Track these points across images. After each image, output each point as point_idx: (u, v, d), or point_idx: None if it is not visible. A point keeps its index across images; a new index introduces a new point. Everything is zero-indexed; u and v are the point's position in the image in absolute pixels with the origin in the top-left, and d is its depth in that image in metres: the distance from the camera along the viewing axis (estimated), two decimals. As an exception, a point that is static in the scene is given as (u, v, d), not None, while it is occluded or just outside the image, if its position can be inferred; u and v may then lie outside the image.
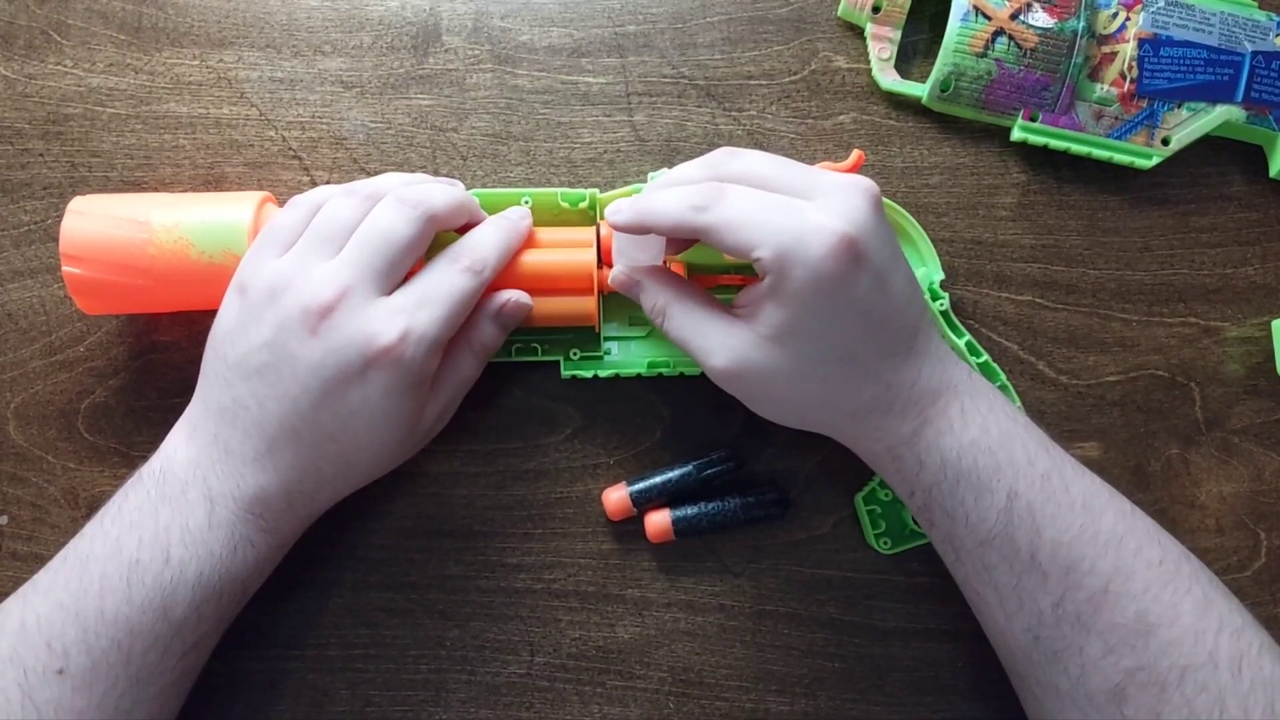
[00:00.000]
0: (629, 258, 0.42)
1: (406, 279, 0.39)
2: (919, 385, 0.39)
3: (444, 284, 0.39)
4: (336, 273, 0.37)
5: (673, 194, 0.38)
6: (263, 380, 0.37)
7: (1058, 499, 0.38)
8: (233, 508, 0.38)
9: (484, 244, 0.41)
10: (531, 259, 0.43)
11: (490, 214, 0.44)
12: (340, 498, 0.41)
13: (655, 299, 0.40)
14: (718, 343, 0.38)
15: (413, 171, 0.47)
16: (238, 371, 0.38)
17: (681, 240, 0.42)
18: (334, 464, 0.39)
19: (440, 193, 0.40)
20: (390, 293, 0.38)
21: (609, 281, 0.42)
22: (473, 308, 0.40)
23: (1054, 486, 0.38)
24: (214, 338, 0.39)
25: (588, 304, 0.43)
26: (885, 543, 0.46)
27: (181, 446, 0.39)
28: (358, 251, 0.38)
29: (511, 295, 0.42)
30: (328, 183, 0.47)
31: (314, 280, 0.37)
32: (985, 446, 0.38)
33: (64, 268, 0.40)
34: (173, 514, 0.37)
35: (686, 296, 0.40)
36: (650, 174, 0.46)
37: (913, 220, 0.46)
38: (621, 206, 0.39)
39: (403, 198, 0.39)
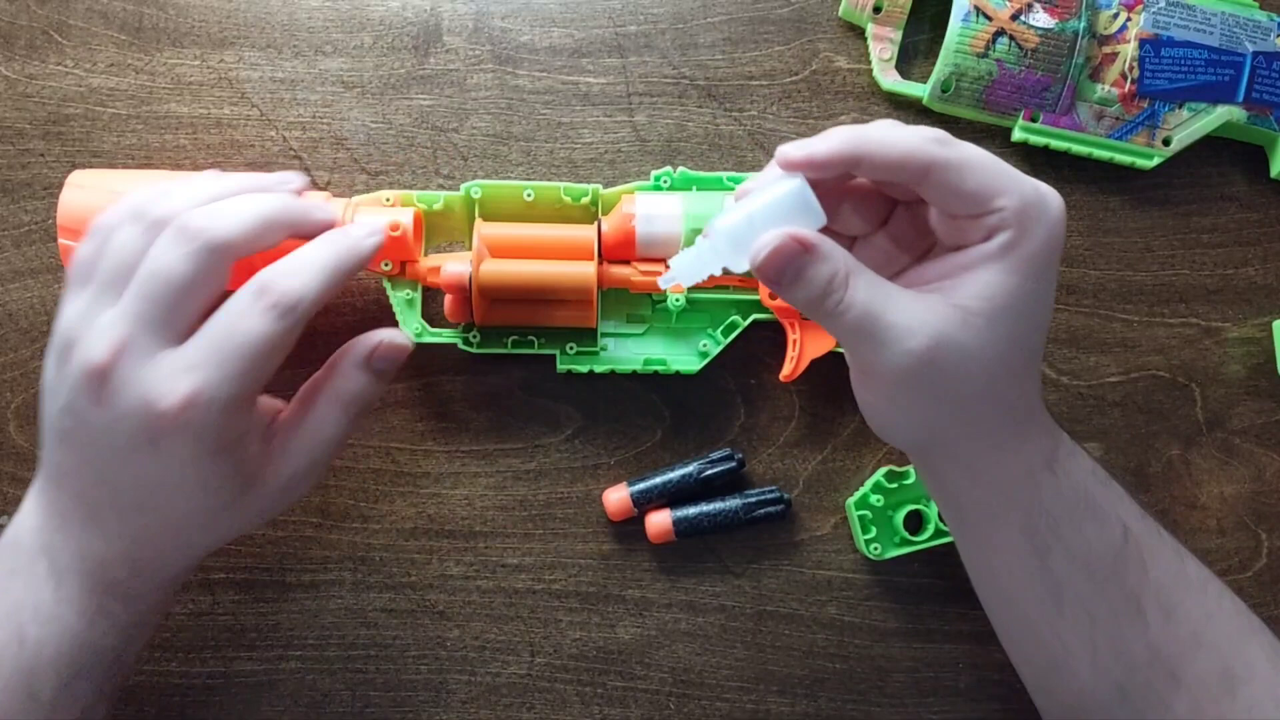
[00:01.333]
0: (784, 220, 0.32)
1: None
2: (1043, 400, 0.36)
3: (240, 330, 0.32)
4: (112, 326, 0.32)
5: (897, 126, 0.32)
6: (70, 446, 0.34)
7: (1155, 536, 0.36)
8: (78, 580, 0.34)
9: (298, 272, 0.33)
10: (530, 269, 0.43)
11: (487, 207, 0.44)
12: (200, 560, 0.37)
13: (836, 265, 0.31)
14: (918, 319, 0.31)
15: (413, 173, 0.47)
16: (51, 434, 0.34)
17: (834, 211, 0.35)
18: (163, 533, 0.35)
19: (233, 215, 0.33)
20: (181, 341, 0.33)
21: (752, 257, 0.32)
22: (289, 352, 0.34)
23: (1150, 524, 0.36)
24: (41, 393, 0.35)
25: (587, 316, 0.44)
26: (875, 549, 0.46)
27: (30, 512, 0.35)
28: (133, 298, 0.32)
29: (384, 336, 0.37)
30: (328, 184, 0.47)
31: (91, 336, 0.32)
32: (1102, 476, 0.36)
33: (60, 239, 0.40)
34: (24, 590, 0.34)
35: (865, 265, 0.33)
36: (653, 173, 0.46)
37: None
38: (816, 140, 0.32)
39: (182, 226, 0.33)
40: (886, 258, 0.35)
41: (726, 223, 0.33)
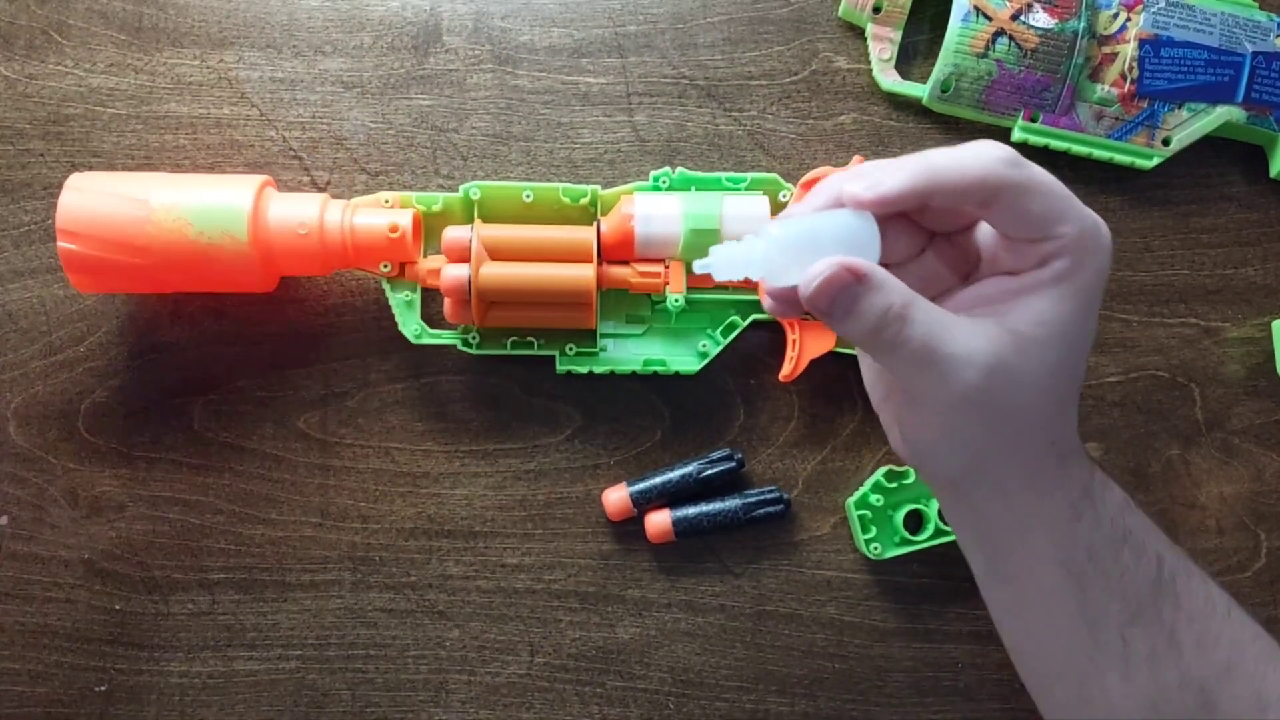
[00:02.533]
0: (841, 246, 0.31)
1: None
2: None
3: None
4: None
5: (959, 150, 0.31)
6: None
7: (1185, 564, 0.35)
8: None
9: None
10: (529, 273, 0.43)
11: (486, 208, 0.45)
12: None
13: (892, 298, 0.30)
14: (975, 347, 0.30)
15: (413, 172, 0.47)
16: None
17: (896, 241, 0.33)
18: None
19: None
20: None
21: (803, 287, 0.30)
22: None
23: (1179, 552, 0.36)
24: None
25: (586, 318, 0.44)
26: (875, 548, 0.46)
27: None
28: None
29: None
30: (328, 184, 0.47)
31: None
32: (1132, 505, 0.35)
33: (59, 243, 0.40)
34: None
35: (919, 294, 0.31)
36: (652, 173, 0.46)
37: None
38: (877, 171, 0.30)
39: None
40: (925, 283, 0.34)
41: (780, 230, 0.31)
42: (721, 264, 0.32)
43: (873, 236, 0.31)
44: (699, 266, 0.33)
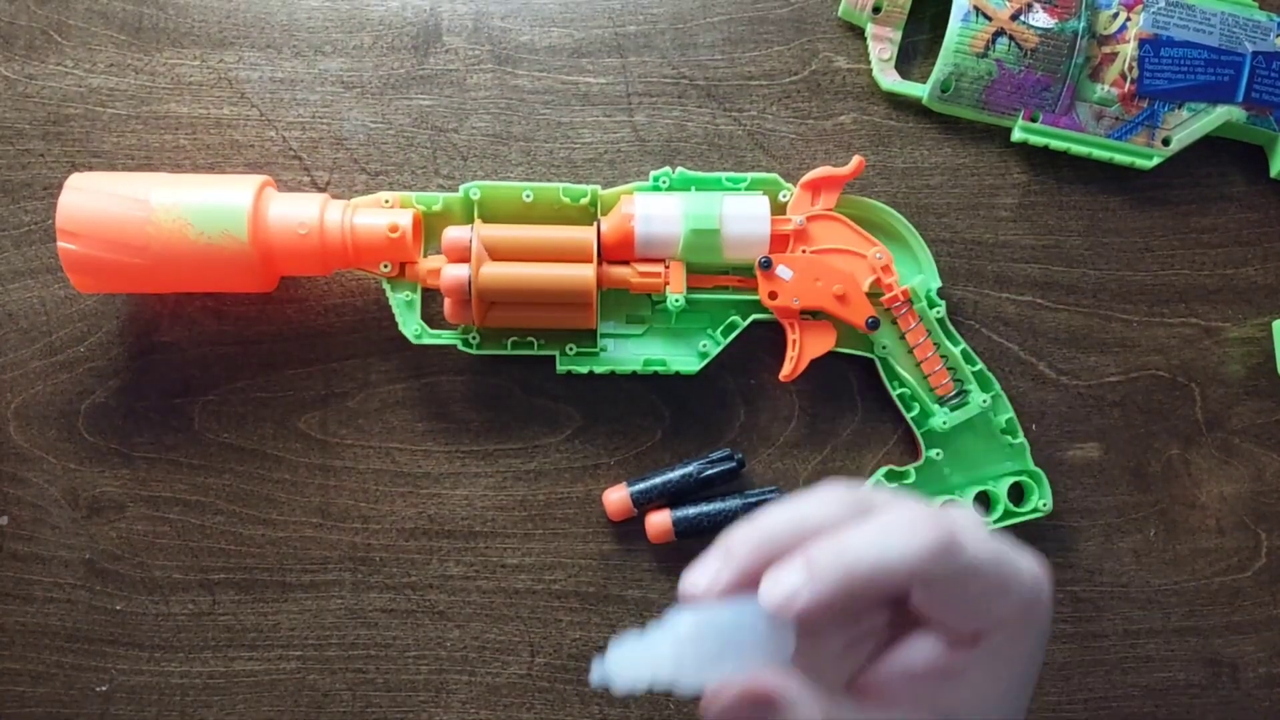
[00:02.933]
0: (749, 644, 0.27)
1: None
2: None
3: None
4: None
5: (882, 534, 0.27)
6: None
7: None
8: None
9: None
10: (529, 273, 0.43)
11: (486, 208, 0.45)
12: None
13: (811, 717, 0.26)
14: None
15: (413, 172, 0.47)
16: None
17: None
18: None
19: None
20: None
21: (703, 706, 0.27)
22: None
23: None
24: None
25: (586, 318, 0.44)
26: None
27: None
28: None
29: None
30: (328, 184, 0.47)
31: None
32: None
33: (59, 243, 0.40)
34: None
35: (837, 698, 0.28)
36: (652, 173, 0.45)
37: (909, 226, 0.46)
38: (790, 580, 0.26)
39: None
40: (840, 634, 0.31)
41: (689, 626, 0.27)
42: (621, 669, 0.27)
43: (786, 633, 0.27)
44: (596, 676, 0.28)
